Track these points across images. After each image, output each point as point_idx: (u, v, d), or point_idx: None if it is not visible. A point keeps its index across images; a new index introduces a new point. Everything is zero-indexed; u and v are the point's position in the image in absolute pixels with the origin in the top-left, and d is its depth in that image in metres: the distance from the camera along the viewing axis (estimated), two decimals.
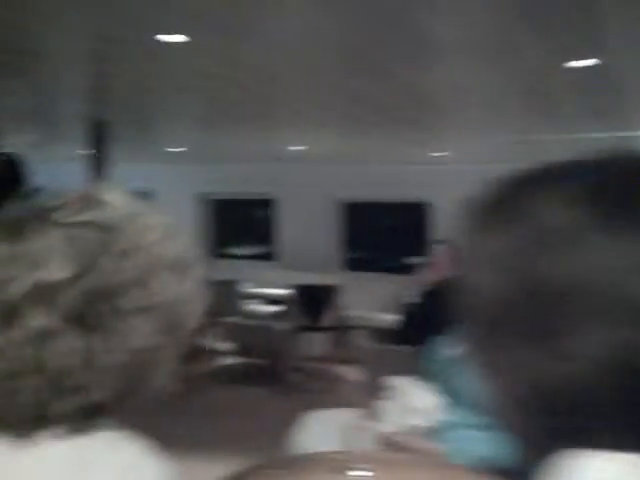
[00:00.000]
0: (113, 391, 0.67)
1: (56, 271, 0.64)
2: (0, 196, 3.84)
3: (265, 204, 9.05)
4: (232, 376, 5.62)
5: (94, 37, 3.36)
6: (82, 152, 5.86)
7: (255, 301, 6.48)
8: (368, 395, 2.15)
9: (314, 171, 7.90)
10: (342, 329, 6.03)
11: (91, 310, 0.65)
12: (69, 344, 0.64)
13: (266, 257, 9.16)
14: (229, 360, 5.91)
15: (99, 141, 5.56)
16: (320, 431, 1.98)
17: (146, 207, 0.76)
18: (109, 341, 0.65)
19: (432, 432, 1.81)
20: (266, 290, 6.58)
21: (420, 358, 2.22)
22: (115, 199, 0.73)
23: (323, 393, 4.78)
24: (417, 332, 2.77)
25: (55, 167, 6.29)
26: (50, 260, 0.64)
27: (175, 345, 0.72)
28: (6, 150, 4.15)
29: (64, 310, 0.64)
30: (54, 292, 0.63)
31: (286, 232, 8.66)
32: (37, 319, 0.63)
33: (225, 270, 6.44)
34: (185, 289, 0.72)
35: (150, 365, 0.69)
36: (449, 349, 1.97)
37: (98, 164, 5.59)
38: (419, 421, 1.80)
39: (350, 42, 3.29)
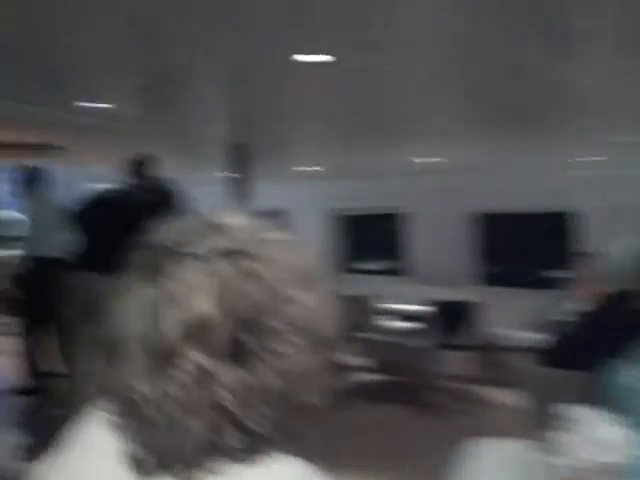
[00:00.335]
0: (274, 417, 0.66)
1: (205, 307, 0.64)
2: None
3: (395, 218, 8.98)
4: (370, 393, 5.55)
5: (235, 60, 3.51)
6: (222, 174, 6.18)
7: (388, 317, 6.39)
8: (534, 424, 1.96)
9: (447, 183, 7.69)
10: (487, 348, 5.74)
11: (245, 337, 0.65)
12: (230, 376, 0.63)
13: (396, 272, 9.07)
14: (366, 377, 5.85)
15: (239, 163, 5.83)
16: (491, 463, 1.83)
17: (271, 226, 0.75)
18: (266, 365, 0.65)
19: (625, 470, 1.59)
20: (400, 306, 6.46)
21: (594, 384, 1.98)
22: (241, 222, 0.73)
23: (469, 416, 4.55)
24: (578, 354, 2.52)
25: (196, 190, 6.70)
26: (196, 296, 0.64)
27: (324, 362, 0.71)
28: (155, 175, 4.44)
29: (220, 343, 0.64)
30: (207, 328, 0.63)
31: (419, 246, 8.50)
32: (196, 357, 0.63)
33: (356, 285, 6.44)
34: (322, 304, 0.71)
35: (305, 386, 0.68)
36: (632, 375, 1.74)
37: (238, 185, 5.85)
38: (610, 457, 1.58)
39: (487, 43, 3.13)
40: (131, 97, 4.69)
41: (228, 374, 0.63)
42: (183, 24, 2.90)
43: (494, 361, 5.55)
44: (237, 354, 0.64)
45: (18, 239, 6.04)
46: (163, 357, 0.63)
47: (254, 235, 0.71)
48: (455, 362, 5.51)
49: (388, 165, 7.63)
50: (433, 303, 5.75)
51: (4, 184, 8.03)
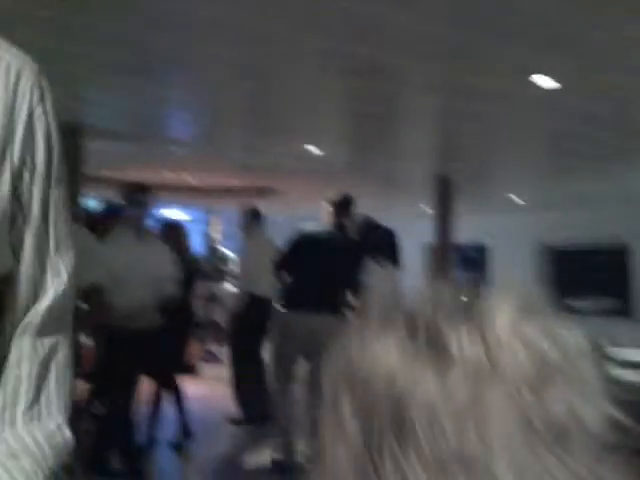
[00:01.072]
0: None
1: None
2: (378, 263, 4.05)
3: (615, 252, 8.03)
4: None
5: (442, 93, 3.44)
6: (425, 209, 6.09)
7: (616, 365, 5.60)
8: None
9: None
10: None
11: None
12: None
13: (620, 312, 8.05)
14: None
15: (443, 197, 5.69)
16: None
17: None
18: None
19: None
20: (631, 352, 5.63)
21: None
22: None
23: None
24: None
25: (401, 225, 6.68)
26: None
27: None
28: (358, 211, 4.48)
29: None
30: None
31: None
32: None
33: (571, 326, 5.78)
34: None
35: None
36: None
37: (442, 220, 5.70)
38: None
39: None
40: (340, 141, 4.88)
41: None
42: (400, 62, 2.91)
43: None
44: None
45: (233, 276, 6.54)
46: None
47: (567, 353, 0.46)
48: None
49: (604, 193, 6.87)
50: None
51: (228, 225, 8.93)
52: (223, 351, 7.25)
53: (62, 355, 0.72)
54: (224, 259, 8.05)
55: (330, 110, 3.95)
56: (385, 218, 4.43)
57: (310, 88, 3.43)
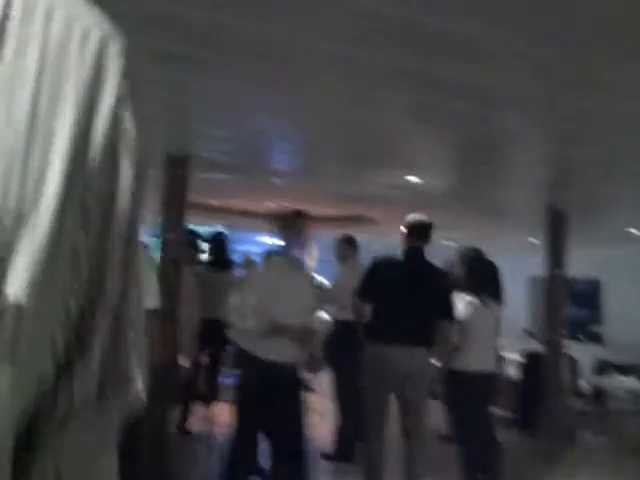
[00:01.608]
0: None
1: None
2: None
3: None
4: None
5: (553, 117, 3.22)
6: (532, 240, 5.76)
7: None
8: None
9: None
10: None
11: None
12: None
13: None
14: None
15: (555, 228, 5.35)
16: None
17: None
18: None
19: None
20: None
21: None
22: None
23: None
24: None
25: (511, 257, 6.36)
26: None
27: None
28: (466, 243, 4.29)
29: None
30: None
31: None
32: None
33: None
34: None
35: None
36: None
37: (553, 252, 5.35)
38: None
39: None
40: (442, 170, 4.73)
41: None
42: (506, 85, 2.76)
43: None
44: None
45: (326, 302, 6.45)
46: None
47: None
48: None
49: None
50: None
51: (324, 252, 8.94)
52: (316, 380, 7.20)
53: None
54: (317, 286, 8.02)
55: (431, 137, 3.83)
56: (489, 249, 4.20)
57: (410, 116, 3.34)
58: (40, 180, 0.38)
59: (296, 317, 3.20)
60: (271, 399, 3.15)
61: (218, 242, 5.39)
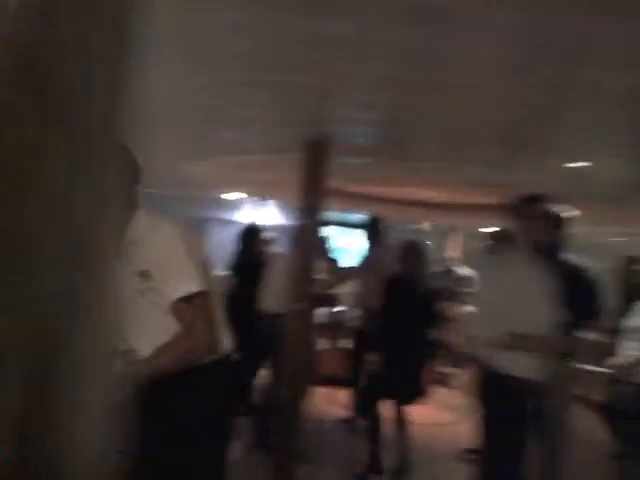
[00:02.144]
0: None
1: None
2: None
3: None
4: None
5: None
6: None
7: None
8: None
9: None
10: None
11: None
12: None
13: None
14: None
15: None
16: None
17: None
18: None
19: None
20: None
21: None
22: None
23: None
24: None
25: None
26: None
27: None
28: None
29: None
30: None
31: None
32: None
33: None
34: None
35: None
36: None
37: None
38: None
39: None
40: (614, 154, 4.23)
41: None
42: None
43: None
44: None
45: (471, 296, 6.13)
46: None
47: None
48: None
49: None
50: None
51: (468, 243, 8.60)
52: (453, 375, 6.91)
53: None
54: (460, 279, 7.65)
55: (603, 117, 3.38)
56: None
57: (577, 94, 2.95)
58: None
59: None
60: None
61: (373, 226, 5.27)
